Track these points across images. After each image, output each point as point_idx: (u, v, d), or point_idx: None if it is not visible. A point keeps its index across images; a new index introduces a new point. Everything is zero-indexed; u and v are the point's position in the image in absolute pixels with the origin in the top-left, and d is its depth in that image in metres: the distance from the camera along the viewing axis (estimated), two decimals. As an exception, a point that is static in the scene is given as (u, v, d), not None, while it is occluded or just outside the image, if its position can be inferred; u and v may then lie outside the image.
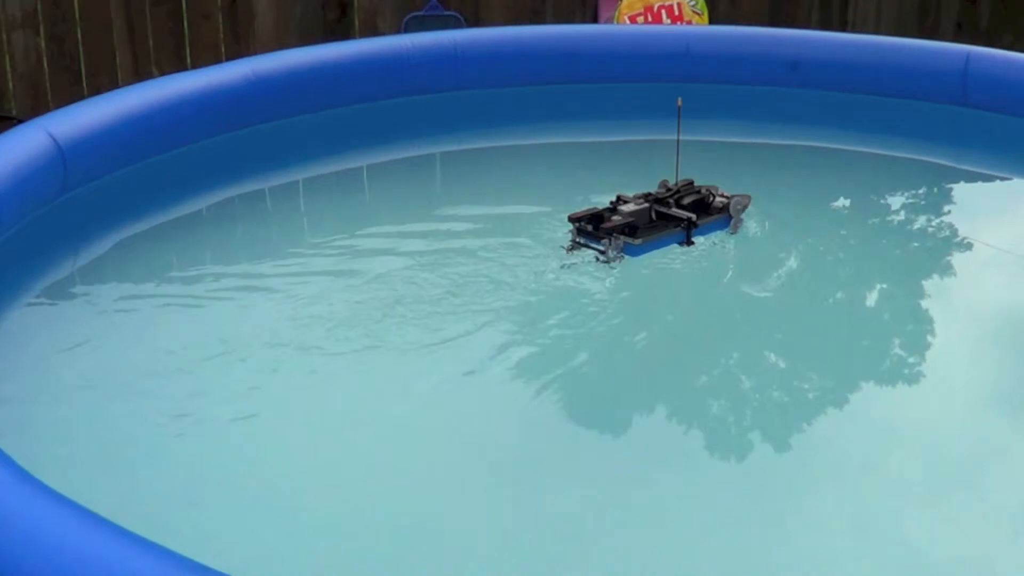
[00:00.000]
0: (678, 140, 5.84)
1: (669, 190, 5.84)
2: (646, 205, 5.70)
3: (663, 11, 9.30)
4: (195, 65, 8.71)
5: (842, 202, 6.79)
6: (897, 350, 5.38)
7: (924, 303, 5.85)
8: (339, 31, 9.20)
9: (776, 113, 7.91)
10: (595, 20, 9.51)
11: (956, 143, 7.71)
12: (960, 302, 5.90)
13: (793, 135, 7.78)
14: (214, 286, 5.61)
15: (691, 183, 5.86)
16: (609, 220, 5.60)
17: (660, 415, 4.83)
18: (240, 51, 8.86)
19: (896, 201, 6.81)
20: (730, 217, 5.86)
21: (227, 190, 6.66)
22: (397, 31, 9.26)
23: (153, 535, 3.32)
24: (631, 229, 5.59)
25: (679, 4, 9.32)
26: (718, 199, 5.88)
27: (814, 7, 10.01)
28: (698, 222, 5.73)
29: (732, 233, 5.86)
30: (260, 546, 3.97)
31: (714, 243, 5.89)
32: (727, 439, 4.70)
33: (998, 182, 7.35)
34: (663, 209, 5.73)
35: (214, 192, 6.61)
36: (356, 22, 9.28)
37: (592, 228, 5.60)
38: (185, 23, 9.04)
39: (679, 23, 9.28)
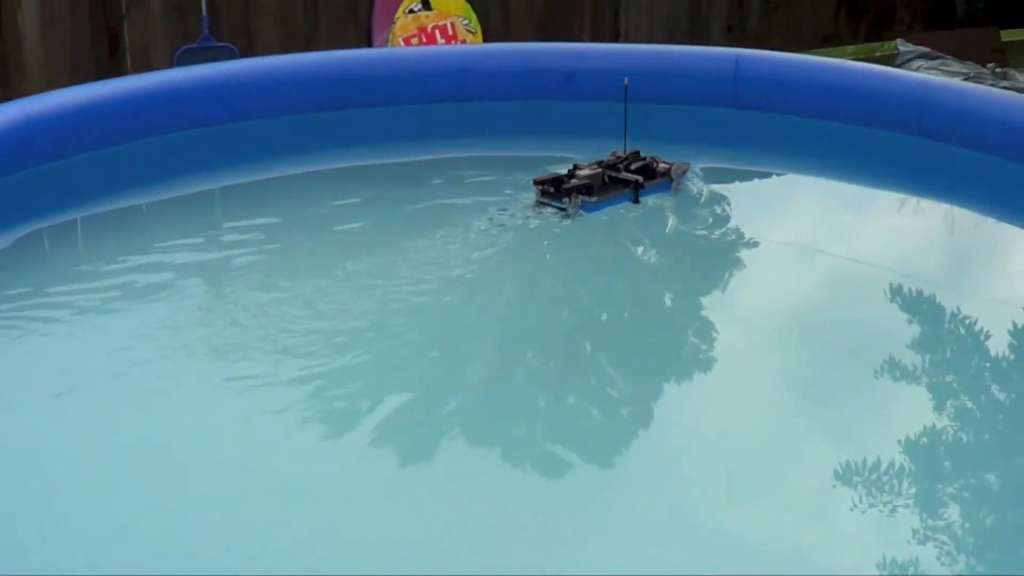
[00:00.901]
0: (625, 115, 6.64)
1: (619, 158, 6.63)
2: (600, 170, 6.51)
3: (437, 31, 9.31)
4: (-36, 110, 8.47)
5: (626, 209, 6.73)
6: (690, 350, 5.48)
7: (713, 302, 5.94)
8: (111, 67, 9.05)
9: (553, 126, 7.97)
10: (369, 43, 9.44)
11: (731, 144, 7.83)
12: (748, 298, 6.01)
13: (570, 147, 7.54)
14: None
15: (637, 152, 6.66)
16: (568, 183, 6.40)
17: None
18: (10, 93, 8.67)
19: (679, 204, 6.80)
20: (671, 180, 6.62)
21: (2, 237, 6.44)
22: (170, 65, 9.14)
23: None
24: (587, 189, 6.41)
25: (452, 24, 9.34)
26: (661, 165, 6.64)
27: (586, 19, 10.06)
28: (644, 184, 6.52)
29: (674, 194, 6.65)
30: None
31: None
32: (528, 446, 4.74)
33: (774, 178, 7.56)
34: (614, 174, 6.55)
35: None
36: (128, 57, 9.14)
37: (554, 190, 6.42)
38: (-49, 68, 8.83)
39: (453, 42, 9.27)
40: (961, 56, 9.58)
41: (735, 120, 7.76)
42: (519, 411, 4.96)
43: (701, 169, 7.04)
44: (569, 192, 6.37)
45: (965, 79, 8.98)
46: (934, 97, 7.59)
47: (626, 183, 6.53)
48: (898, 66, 9.51)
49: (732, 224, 6.59)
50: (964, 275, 6.46)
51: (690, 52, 8.30)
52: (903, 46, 9.81)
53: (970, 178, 7.36)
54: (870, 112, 7.60)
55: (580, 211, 6.37)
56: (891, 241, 6.74)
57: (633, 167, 6.59)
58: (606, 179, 6.55)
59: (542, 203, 6.42)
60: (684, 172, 6.69)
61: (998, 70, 9.38)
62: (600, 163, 6.63)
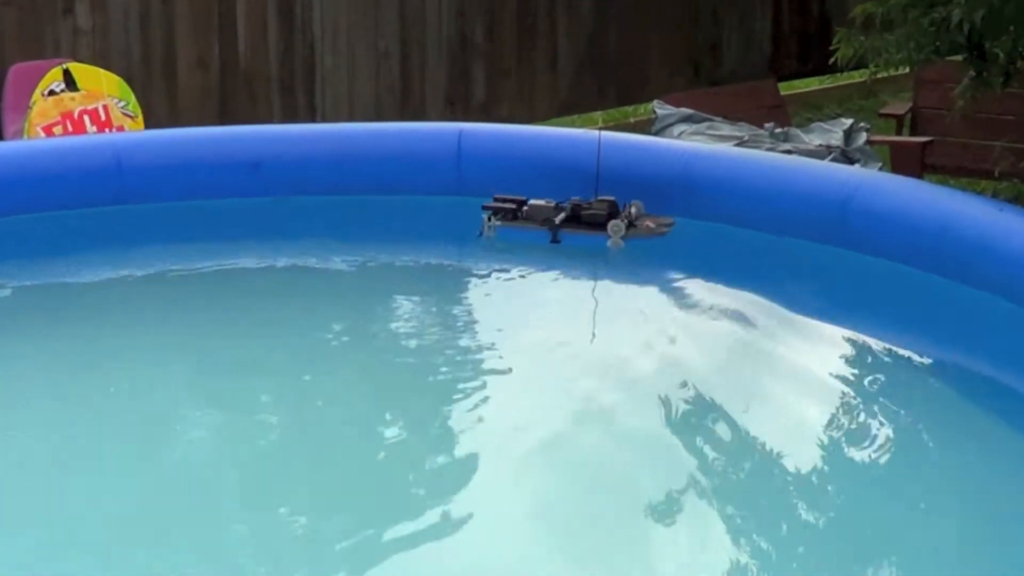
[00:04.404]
0: (598, 167, 6.97)
1: (585, 202, 7.07)
2: (552, 206, 7.04)
3: (85, 117, 8.31)
4: None
5: (349, 313, 6.48)
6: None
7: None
8: None
9: (237, 229, 7.28)
10: (0, 136, 8.45)
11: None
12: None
13: (273, 253, 7.18)
14: None
15: (612, 202, 7.00)
16: (511, 204, 7.14)
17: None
18: None
19: (405, 305, 6.63)
20: (609, 235, 6.98)
21: None
22: None
23: None
24: (512, 215, 7.04)
25: (105, 107, 8.34)
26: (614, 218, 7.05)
27: (274, 94, 9.46)
28: (570, 228, 6.98)
29: (612, 247, 6.92)
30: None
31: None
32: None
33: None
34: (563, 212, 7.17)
35: None
36: None
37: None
38: None
39: (107, 130, 8.32)
40: (732, 117, 9.08)
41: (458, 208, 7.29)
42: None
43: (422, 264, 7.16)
44: (495, 213, 7.07)
45: (738, 144, 8.48)
46: (700, 168, 7.15)
47: (552, 222, 7.06)
48: (656, 133, 8.95)
49: (440, 326, 6.40)
50: (744, 375, 5.84)
51: (407, 129, 8.05)
52: (661, 109, 9.15)
53: (753, 262, 6.91)
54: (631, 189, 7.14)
55: (496, 232, 7.00)
56: (663, 337, 6.25)
57: (587, 212, 7.04)
58: (552, 214, 7.08)
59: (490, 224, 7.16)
60: (620, 233, 6.90)
61: (778, 131, 8.86)
62: (563, 202, 7.05)
